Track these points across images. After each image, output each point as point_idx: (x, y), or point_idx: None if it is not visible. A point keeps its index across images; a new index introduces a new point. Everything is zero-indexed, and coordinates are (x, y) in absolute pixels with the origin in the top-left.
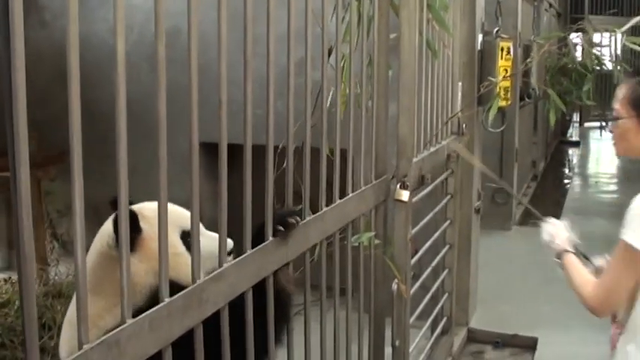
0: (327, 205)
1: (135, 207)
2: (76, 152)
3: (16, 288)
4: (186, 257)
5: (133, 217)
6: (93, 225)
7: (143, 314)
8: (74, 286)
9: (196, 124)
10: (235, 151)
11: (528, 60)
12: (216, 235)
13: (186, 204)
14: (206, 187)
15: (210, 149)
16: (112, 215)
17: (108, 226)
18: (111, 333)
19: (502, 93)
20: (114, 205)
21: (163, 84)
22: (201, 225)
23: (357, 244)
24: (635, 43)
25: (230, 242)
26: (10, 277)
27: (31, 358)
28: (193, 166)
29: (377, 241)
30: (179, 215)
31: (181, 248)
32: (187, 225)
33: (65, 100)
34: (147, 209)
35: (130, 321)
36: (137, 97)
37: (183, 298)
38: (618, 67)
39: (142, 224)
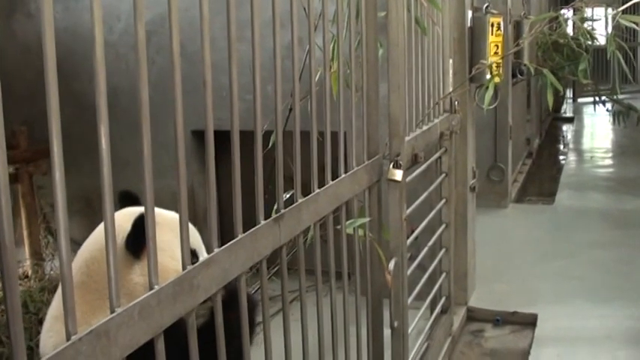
0: (319, 187)
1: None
2: (56, 146)
3: None
4: None
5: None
6: (85, 216)
7: (132, 302)
8: (60, 277)
9: (181, 115)
10: (229, 137)
11: (520, 40)
12: None
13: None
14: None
15: (201, 137)
16: (123, 211)
17: (119, 222)
18: (99, 322)
19: (493, 69)
20: (122, 199)
21: (144, 74)
22: (203, 247)
23: (351, 230)
24: (629, 21)
25: None
26: None
27: (17, 356)
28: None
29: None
30: (190, 233)
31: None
32: (195, 244)
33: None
34: (163, 217)
35: (119, 310)
36: (126, 88)
37: (173, 284)
38: (612, 44)
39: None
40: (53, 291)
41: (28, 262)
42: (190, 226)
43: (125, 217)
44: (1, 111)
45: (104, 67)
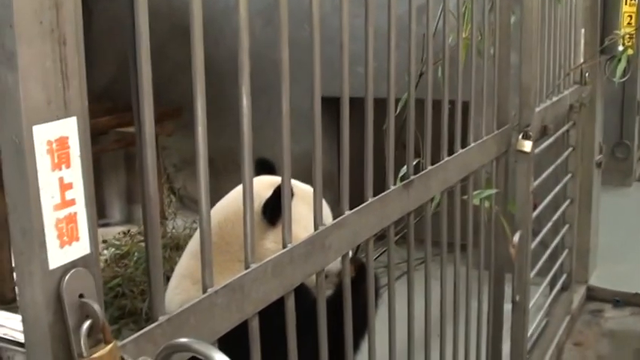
0: (448, 155)
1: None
2: (200, 105)
3: (135, 240)
4: None
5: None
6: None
7: (266, 259)
8: (200, 230)
9: (319, 81)
10: (354, 104)
11: None
12: None
13: (301, 158)
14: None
15: (323, 103)
16: (260, 178)
17: (258, 189)
18: (235, 277)
19: (626, 40)
20: (260, 165)
21: (285, 40)
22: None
23: (477, 201)
24: None
25: None
26: (128, 230)
27: (156, 303)
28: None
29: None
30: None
31: None
32: (326, 221)
33: (180, 56)
34: (299, 189)
35: (253, 265)
36: (253, 53)
37: (305, 244)
38: None
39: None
40: (174, 248)
41: None
42: (324, 203)
43: (262, 185)
44: (149, 66)
45: (247, 29)
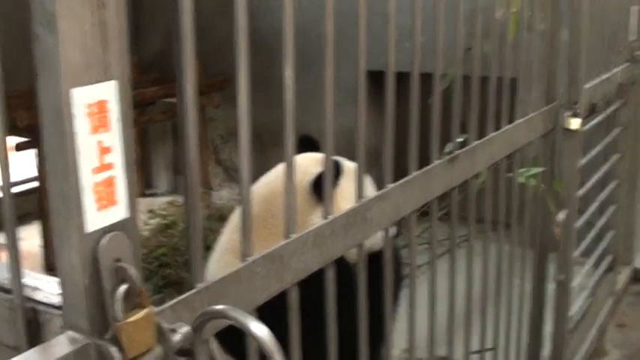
0: (494, 131)
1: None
2: (243, 79)
3: (181, 210)
4: None
5: (337, 170)
6: (254, 151)
7: (306, 230)
8: (239, 200)
9: (364, 57)
10: (399, 79)
11: None
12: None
13: (347, 132)
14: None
15: (369, 78)
16: (307, 155)
17: (305, 165)
18: (275, 247)
19: None
20: (305, 142)
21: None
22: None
23: (523, 179)
24: None
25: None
26: (174, 200)
27: (195, 270)
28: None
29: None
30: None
31: None
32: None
33: (228, 29)
34: (348, 167)
35: (293, 236)
36: (297, 27)
37: (347, 216)
38: None
39: (340, 180)
40: (219, 220)
41: None
42: (369, 180)
43: (310, 161)
44: (192, 46)
45: (292, 5)
